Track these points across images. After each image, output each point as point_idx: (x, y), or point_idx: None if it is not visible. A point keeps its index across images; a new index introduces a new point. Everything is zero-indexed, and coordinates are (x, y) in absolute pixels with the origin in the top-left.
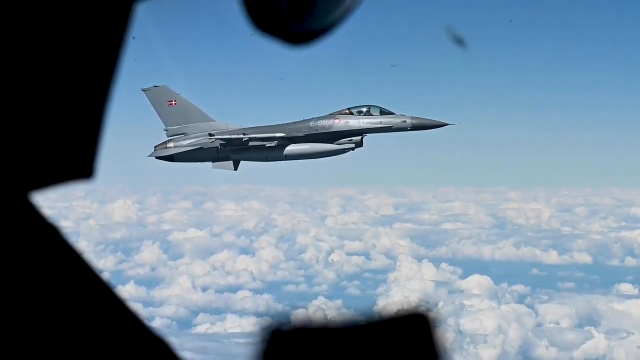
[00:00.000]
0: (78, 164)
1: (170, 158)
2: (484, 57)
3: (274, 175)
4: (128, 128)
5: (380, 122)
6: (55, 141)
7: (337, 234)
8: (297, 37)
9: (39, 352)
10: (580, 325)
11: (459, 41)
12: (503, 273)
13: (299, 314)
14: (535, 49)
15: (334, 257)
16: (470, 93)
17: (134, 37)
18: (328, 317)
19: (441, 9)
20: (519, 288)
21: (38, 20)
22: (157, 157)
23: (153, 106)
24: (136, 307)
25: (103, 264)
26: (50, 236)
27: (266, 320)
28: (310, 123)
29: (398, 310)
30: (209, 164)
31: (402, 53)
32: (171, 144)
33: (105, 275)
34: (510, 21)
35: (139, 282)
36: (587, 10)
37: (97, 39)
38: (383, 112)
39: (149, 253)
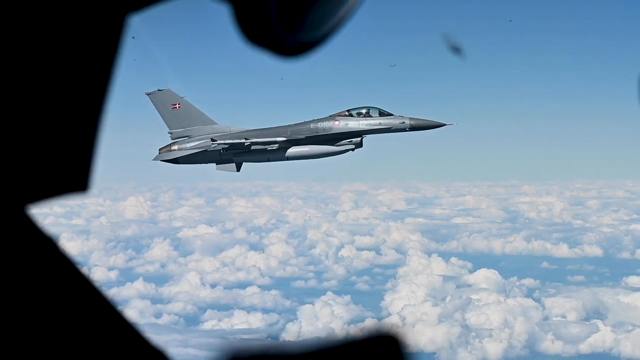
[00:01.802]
0: (73, 177)
1: (174, 161)
2: (498, 50)
3: (288, 171)
4: (146, 126)
5: (380, 124)
6: (50, 155)
7: (348, 229)
8: (290, 49)
9: None
10: (586, 319)
11: (456, 49)
12: (513, 267)
13: (257, 341)
14: (548, 42)
15: (344, 252)
16: (487, 88)
17: (133, 37)
18: (289, 341)
19: (444, 5)
20: (529, 282)
21: (32, 34)
22: (161, 160)
23: (157, 109)
24: (143, 304)
25: (113, 261)
26: (47, 248)
27: (224, 346)
28: (311, 125)
29: (366, 330)
30: (213, 164)
31: (409, 49)
32: (175, 147)
33: (105, 284)
34: (510, 21)
35: (149, 279)
36: (597, 1)
37: (91, 51)
38: (382, 113)
39: (159, 250)
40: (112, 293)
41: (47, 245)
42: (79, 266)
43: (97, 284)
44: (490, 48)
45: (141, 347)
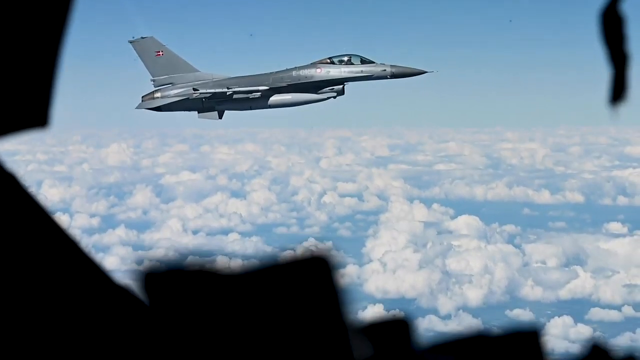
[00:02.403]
0: (32, 113)
1: (157, 108)
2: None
3: (272, 117)
4: (131, 74)
5: (361, 71)
6: (8, 91)
7: (331, 176)
8: None
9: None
10: (566, 265)
11: None
12: (494, 213)
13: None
14: None
15: (326, 198)
16: (469, 34)
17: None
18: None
19: None
20: (510, 228)
21: None
22: (144, 108)
23: (140, 57)
24: (125, 251)
25: (95, 208)
26: (8, 185)
27: (146, 263)
28: (293, 73)
29: (296, 254)
30: (196, 112)
31: None
32: (158, 94)
33: (87, 231)
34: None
35: (131, 225)
36: None
37: None
38: (364, 61)
39: (141, 197)
40: (94, 240)
41: (8, 180)
42: (40, 202)
43: (57, 219)
44: None
45: (101, 279)
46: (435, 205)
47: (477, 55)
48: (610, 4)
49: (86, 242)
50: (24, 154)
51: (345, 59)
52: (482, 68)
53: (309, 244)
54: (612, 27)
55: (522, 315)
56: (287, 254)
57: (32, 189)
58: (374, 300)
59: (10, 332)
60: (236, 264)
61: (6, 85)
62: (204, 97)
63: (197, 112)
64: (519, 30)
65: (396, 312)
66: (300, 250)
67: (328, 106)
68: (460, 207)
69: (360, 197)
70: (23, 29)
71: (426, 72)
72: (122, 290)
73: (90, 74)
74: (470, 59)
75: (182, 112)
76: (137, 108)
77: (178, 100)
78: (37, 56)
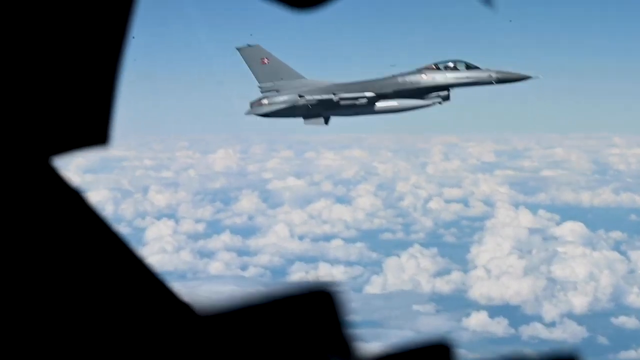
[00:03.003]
0: (93, 130)
1: (264, 115)
2: (587, 3)
3: (379, 123)
4: (240, 79)
5: (466, 77)
6: (71, 109)
7: (437, 181)
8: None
9: (63, 318)
10: None
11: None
12: (600, 219)
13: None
14: None
15: (432, 204)
16: (577, 40)
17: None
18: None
19: None
20: (616, 235)
21: None
22: (253, 114)
23: (247, 64)
24: (229, 257)
25: (201, 213)
26: (73, 201)
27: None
28: (398, 79)
29: (299, 287)
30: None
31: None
32: (265, 101)
33: (192, 236)
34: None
35: (235, 231)
36: None
37: (107, 6)
38: (469, 66)
39: (247, 202)
40: (199, 245)
41: (73, 197)
42: (104, 218)
43: (122, 236)
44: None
45: (168, 300)
46: (540, 212)
47: (582, 61)
48: None
49: (193, 247)
50: (132, 160)
51: (451, 65)
52: (587, 73)
53: (314, 277)
54: None
55: (627, 323)
56: (291, 287)
57: (140, 194)
58: (479, 307)
59: (78, 348)
60: (236, 299)
61: (67, 104)
62: (310, 104)
63: (303, 118)
64: (623, 35)
65: (435, 336)
66: (305, 283)
67: (435, 112)
68: (566, 213)
69: (466, 202)
70: (82, 49)
71: (531, 77)
72: (185, 307)
73: (198, 80)
74: (575, 66)
75: (289, 118)
76: (246, 114)
77: (285, 107)
78: (98, 74)
